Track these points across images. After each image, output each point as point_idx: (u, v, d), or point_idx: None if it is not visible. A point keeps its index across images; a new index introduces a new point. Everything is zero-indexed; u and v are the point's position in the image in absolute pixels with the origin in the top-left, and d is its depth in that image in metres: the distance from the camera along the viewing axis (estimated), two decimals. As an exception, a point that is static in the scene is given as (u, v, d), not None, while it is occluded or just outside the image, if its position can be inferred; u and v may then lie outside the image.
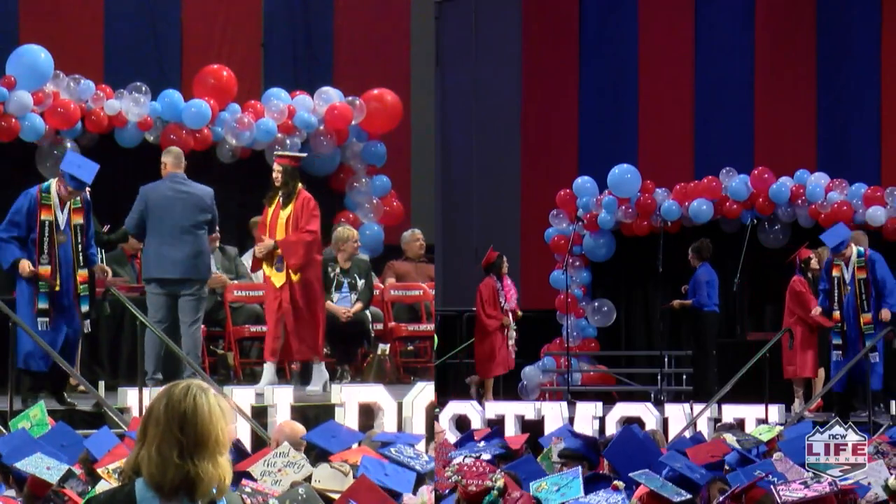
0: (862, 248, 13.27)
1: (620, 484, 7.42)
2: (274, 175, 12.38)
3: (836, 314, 13.16)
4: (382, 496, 6.91)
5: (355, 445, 9.61)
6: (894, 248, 15.31)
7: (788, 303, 14.29)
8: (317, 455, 8.46)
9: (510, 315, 15.39)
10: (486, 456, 8.99)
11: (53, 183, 10.68)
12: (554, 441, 10.02)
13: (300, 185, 12.38)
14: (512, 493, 7.24)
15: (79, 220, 10.70)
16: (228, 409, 4.20)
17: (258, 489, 6.88)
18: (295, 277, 12.15)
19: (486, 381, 15.48)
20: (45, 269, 10.57)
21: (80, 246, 10.71)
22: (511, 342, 15.42)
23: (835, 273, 13.18)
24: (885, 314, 13.02)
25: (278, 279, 12.22)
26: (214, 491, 4.12)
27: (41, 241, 10.54)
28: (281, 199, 12.32)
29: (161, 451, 4.08)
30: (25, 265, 10.53)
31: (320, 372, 12.39)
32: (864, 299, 13.07)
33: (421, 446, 9.40)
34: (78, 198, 10.67)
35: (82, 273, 10.72)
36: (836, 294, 13.15)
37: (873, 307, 13.07)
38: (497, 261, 15.46)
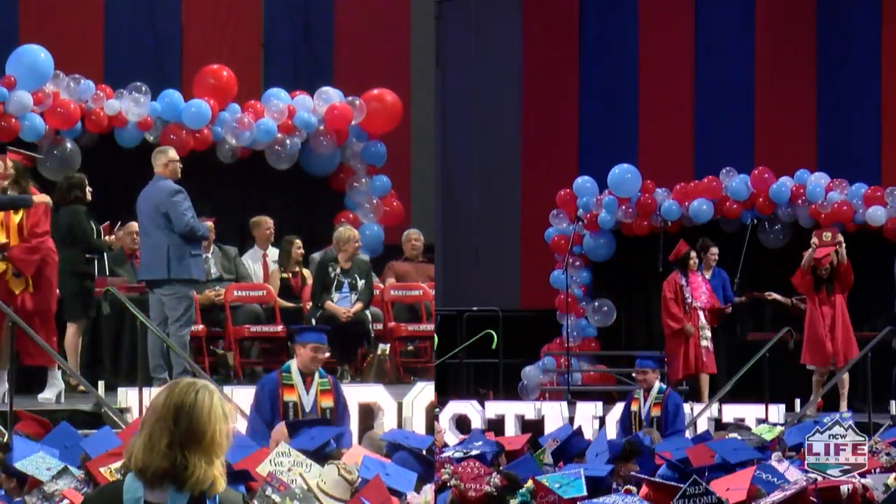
0: (663, 385, 12.48)
1: (632, 488, 7.45)
2: (1, 171, 11.37)
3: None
4: (386, 495, 6.93)
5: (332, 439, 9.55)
6: (895, 248, 15.30)
7: None
8: (325, 455, 8.46)
9: (700, 314, 14.51)
10: (475, 452, 8.98)
11: (293, 363, 9.79)
12: (549, 443, 10.01)
13: (32, 185, 11.46)
14: (547, 496, 7.25)
15: (328, 402, 9.69)
16: (232, 413, 4.13)
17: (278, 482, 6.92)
18: (31, 286, 11.22)
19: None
20: None
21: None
22: (704, 342, 14.45)
23: (633, 407, 12.41)
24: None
25: (17, 286, 11.26)
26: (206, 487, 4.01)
27: None
28: None
29: (151, 437, 4.00)
30: None
31: (54, 379, 11.49)
32: None
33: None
34: (326, 379, 9.79)
35: None
36: (632, 429, 12.15)
37: None
38: (684, 255, 14.62)
